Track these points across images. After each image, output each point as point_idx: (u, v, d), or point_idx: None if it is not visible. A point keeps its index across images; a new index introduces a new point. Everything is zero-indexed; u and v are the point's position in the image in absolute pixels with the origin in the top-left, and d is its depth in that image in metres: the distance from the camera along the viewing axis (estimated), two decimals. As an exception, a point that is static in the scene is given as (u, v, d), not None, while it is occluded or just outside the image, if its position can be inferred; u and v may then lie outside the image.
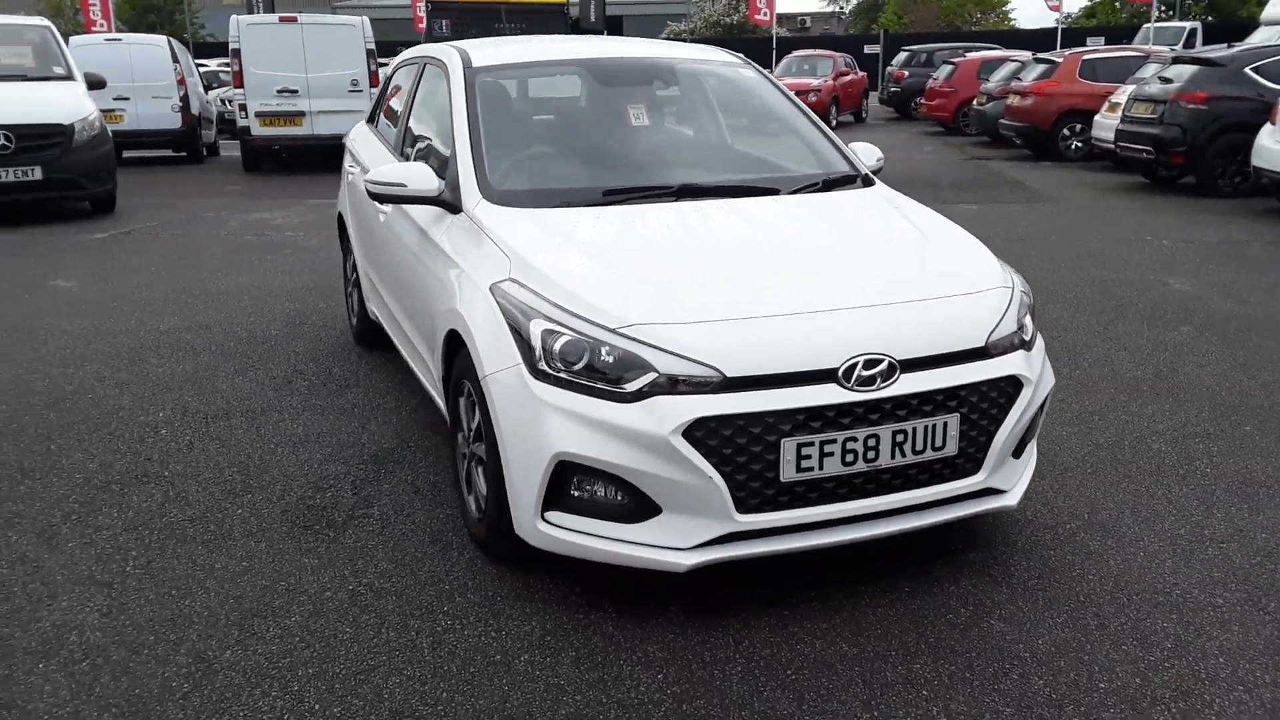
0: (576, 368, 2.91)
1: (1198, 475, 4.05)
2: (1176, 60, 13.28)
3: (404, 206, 4.12)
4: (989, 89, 18.72)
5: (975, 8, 64.08)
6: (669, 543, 2.90)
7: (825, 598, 3.17)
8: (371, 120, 5.70)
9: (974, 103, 19.42)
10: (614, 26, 30.58)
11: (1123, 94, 14.86)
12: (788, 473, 2.87)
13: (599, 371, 2.89)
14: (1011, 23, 64.26)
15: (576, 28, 19.67)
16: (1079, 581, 3.27)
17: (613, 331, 2.91)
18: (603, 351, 2.89)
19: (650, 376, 2.83)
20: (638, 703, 2.68)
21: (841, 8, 68.56)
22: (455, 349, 3.56)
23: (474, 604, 3.16)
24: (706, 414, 2.79)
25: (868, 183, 4.04)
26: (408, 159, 4.66)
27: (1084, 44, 32.69)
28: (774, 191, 3.85)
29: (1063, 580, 3.28)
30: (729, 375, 2.83)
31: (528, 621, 3.06)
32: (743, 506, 2.87)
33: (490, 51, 4.41)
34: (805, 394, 2.86)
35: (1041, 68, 17.49)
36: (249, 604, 3.17)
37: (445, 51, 4.51)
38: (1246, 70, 11.83)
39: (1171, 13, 43.83)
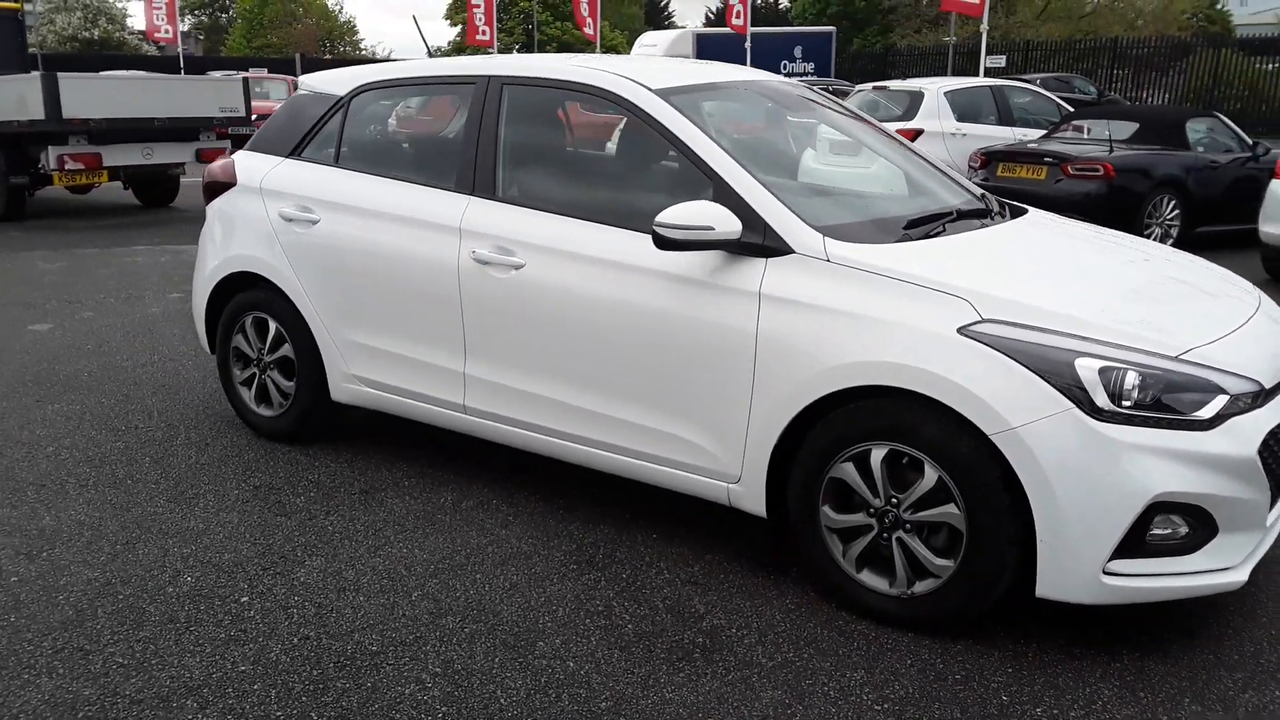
0: (1142, 402, 2.77)
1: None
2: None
3: (610, 259, 3.42)
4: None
5: (325, 36, 64.57)
6: (1220, 564, 2.89)
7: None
8: (295, 154, 4.43)
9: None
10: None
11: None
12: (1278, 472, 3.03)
13: (1164, 403, 2.79)
14: (366, 50, 66.14)
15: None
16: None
17: (1176, 359, 2.82)
18: (1170, 381, 2.79)
19: (1223, 400, 2.80)
20: None
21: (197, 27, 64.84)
22: (808, 416, 3.11)
23: (1032, 698, 2.82)
24: (1272, 427, 2.86)
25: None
26: (496, 198, 3.80)
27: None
28: (988, 213, 3.87)
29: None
30: (1267, 387, 2.92)
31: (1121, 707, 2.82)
32: (1268, 510, 2.97)
33: (645, 70, 3.76)
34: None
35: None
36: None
37: (592, 75, 3.71)
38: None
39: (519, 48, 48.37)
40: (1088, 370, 2.77)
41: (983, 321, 2.90)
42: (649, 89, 3.62)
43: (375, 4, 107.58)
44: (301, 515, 3.88)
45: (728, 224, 3.19)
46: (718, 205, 3.23)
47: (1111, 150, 9.92)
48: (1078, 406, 2.76)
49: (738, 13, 19.33)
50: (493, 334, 3.81)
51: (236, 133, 12.15)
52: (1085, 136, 10.93)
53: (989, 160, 10.55)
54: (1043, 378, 2.79)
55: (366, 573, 3.44)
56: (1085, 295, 3.09)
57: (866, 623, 3.13)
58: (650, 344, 3.41)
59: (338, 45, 64.30)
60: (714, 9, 65.37)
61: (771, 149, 4.02)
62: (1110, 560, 2.80)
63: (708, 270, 3.30)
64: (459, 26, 57.38)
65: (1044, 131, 11.96)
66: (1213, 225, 10.17)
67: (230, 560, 3.52)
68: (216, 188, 4.69)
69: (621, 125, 4.18)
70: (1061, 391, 2.77)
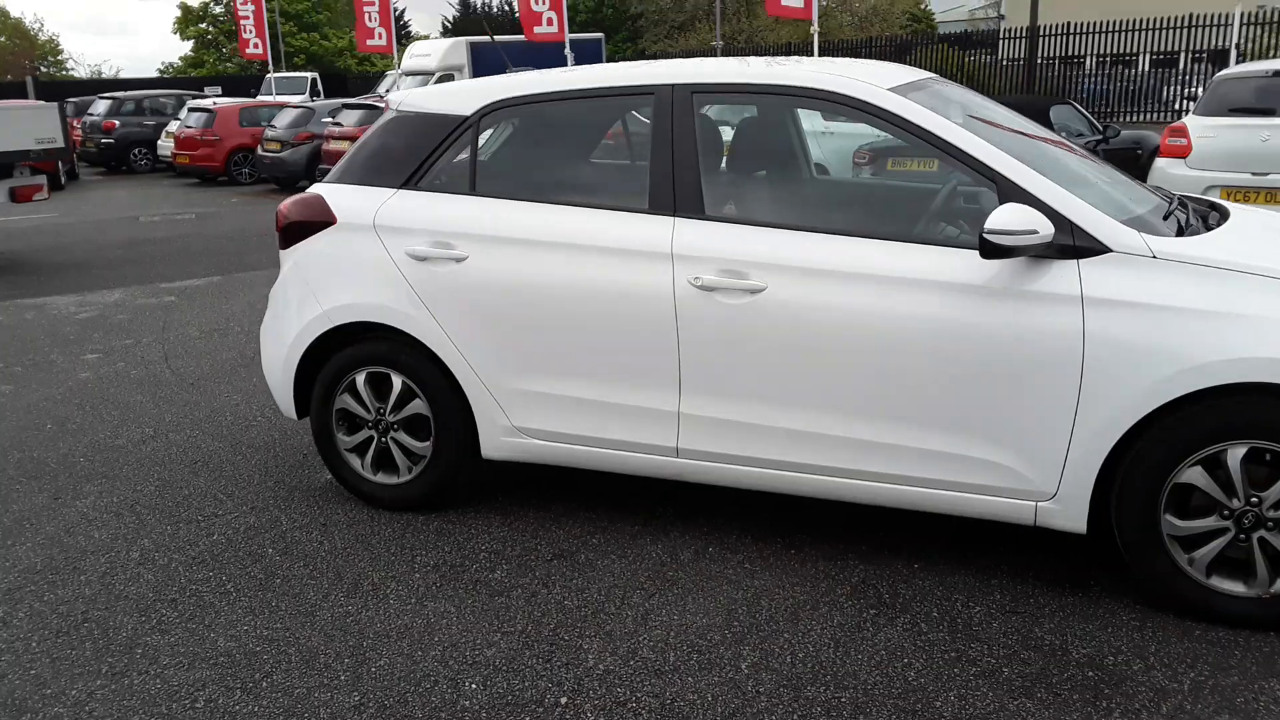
0: None
1: None
2: (347, 106, 16.50)
3: (882, 274, 3.17)
4: (280, 135, 17.90)
5: (30, 58, 59.02)
6: None
7: None
8: (411, 184, 3.84)
9: (259, 149, 18.45)
10: None
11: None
12: None
13: None
14: (90, 70, 61.42)
15: None
16: None
17: None
18: None
19: None
20: None
21: None
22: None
23: None
24: None
25: None
26: (706, 217, 3.44)
27: (202, 90, 32.69)
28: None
29: None
30: None
31: None
32: None
33: (857, 70, 3.50)
34: None
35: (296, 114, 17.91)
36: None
37: (814, 78, 3.40)
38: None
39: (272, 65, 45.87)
40: None
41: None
42: (884, 88, 3.38)
43: (67, 24, 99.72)
44: (518, 593, 3.36)
45: (1046, 227, 3.01)
46: (1029, 208, 3.03)
47: (996, 139, 10.41)
48: None
49: (549, 19, 18.90)
50: (722, 367, 3.43)
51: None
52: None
53: (875, 156, 10.83)
54: None
55: (662, 649, 3.01)
56: None
57: (1221, 629, 3.02)
58: (943, 362, 3.17)
59: (39, 65, 58.73)
60: (450, 17, 64.70)
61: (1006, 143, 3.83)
62: None
63: (1010, 278, 3.10)
64: (190, 41, 53.76)
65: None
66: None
67: (497, 656, 2.99)
68: (298, 229, 4.02)
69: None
70: None
